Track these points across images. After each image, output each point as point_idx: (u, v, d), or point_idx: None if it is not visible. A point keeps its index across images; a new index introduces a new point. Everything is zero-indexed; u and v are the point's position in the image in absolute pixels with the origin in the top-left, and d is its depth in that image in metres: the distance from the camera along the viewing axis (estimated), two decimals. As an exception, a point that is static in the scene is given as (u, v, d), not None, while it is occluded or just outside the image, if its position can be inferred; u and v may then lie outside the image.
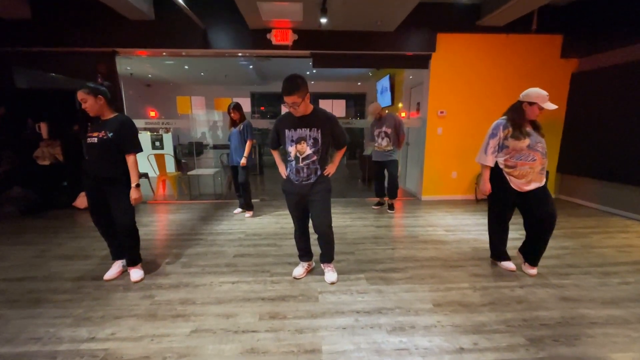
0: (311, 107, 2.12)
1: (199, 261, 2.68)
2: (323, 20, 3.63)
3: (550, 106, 2.13)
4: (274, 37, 4.27)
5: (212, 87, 10.06)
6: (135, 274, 2.37)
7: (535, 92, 2.14)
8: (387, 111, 4.18)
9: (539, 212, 2.23)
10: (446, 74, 4.63)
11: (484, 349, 1.61)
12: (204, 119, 11.01)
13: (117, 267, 2.43)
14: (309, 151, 2.12)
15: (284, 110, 2.23)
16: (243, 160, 3.75)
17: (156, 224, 3.77)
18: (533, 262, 2.41)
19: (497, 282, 2.31)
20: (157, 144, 7.11)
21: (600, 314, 1.91)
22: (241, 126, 3.81)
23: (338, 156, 2.33)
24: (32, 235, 3.33)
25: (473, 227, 3.59)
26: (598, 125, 4.31)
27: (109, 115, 2.20)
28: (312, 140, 2.10)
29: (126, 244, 2.34)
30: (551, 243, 2.45)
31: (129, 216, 2.26)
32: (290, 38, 4.29)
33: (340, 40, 4.41)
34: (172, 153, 7.01)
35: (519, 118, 2.21)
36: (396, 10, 3.71)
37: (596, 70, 4.37)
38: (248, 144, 3.78)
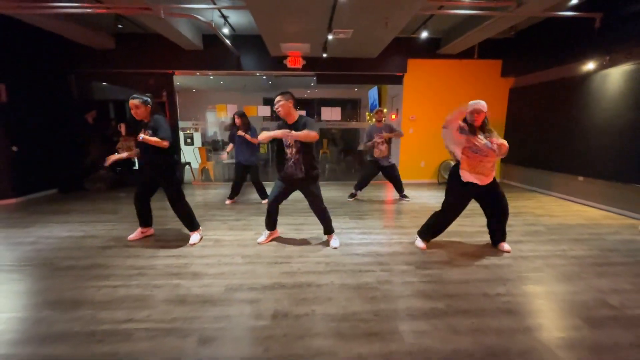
0: (297, 115, 2.67)
1: (244, 211, 4.28)
2: (324, 55, 5.23)
3: (470, 106, 2.61)
4: (289, 62, 5.88)
5: (230, 93, 11.67)
6: (193, 237, 3.06)
7: (464, 106, 2.67)
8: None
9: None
10: (415, 89, 6.23)
11: (405, 240, 3.21)
12: (222, 121, 12.60)
13: (138, 232, 3.17)
14: (296, 152, 2.68)
15: None
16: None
17: (209, 195, 5.38)
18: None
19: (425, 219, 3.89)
20: (189, 140, 8.75)
21: (472, 238, 3.49)
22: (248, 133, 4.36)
23: (305, 132, 2.52)
24: (127, 199, 4.96)
25: (427, 197, 5.19)
26: (529, 127, 5.89)
27: (149, 118, 2.76)
28: (298, 143, 2.65)
29: (182, 217, 3.03)
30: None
31: (178, 194, 2.94)
32: (301, 63, 5.90)
33: (337, 64, 6.02)
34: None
35: (468, 126, 2.68)
36: (375, 46, 5.32)
37: (528, 86, 5.93)
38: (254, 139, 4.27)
